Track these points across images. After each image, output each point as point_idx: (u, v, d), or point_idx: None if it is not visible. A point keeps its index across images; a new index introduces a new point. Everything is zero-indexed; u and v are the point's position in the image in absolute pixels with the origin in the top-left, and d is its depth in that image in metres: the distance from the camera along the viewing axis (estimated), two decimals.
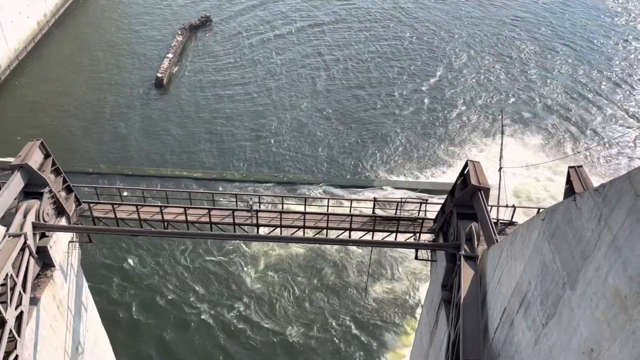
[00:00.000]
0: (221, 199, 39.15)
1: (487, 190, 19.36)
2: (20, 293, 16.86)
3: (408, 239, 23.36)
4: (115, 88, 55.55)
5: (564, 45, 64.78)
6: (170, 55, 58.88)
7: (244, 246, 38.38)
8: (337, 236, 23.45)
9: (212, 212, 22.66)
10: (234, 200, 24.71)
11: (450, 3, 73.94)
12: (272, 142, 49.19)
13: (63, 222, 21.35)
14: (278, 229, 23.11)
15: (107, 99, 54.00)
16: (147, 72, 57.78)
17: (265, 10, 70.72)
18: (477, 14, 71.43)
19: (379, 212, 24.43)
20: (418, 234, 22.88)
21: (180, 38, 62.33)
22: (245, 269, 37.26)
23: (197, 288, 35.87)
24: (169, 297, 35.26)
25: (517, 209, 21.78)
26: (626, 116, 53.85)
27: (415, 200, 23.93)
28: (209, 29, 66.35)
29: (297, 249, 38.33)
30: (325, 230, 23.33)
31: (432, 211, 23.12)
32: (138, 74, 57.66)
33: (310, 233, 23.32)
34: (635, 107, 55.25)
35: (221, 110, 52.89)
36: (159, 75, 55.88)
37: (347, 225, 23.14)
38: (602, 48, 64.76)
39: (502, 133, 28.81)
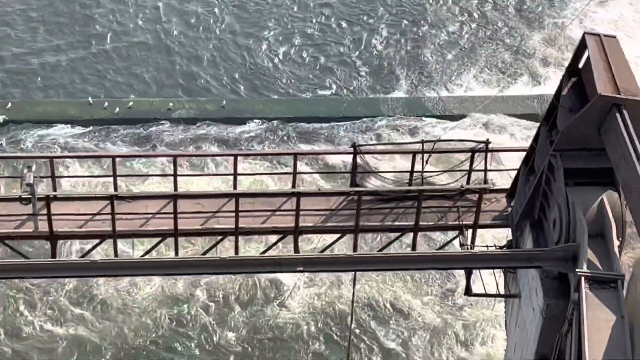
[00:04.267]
0: None
1: (636, 105, 18.96)
2: None
3: (444, 246, 23.09)
4: None
5: None
6: None
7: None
8: (263, 252, 23.43)
9: None
10: None
11: None
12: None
13: None
14: (108, 242, 23.11)
15: None
16: None
17: None
18: None
19: (367, 180, 24.11)
20: (469, 231, 22.65)
21: None
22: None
23: None
24: None
25: None
26: None
27: (456, 147, 23.60)
28: None
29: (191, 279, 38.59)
30: (234, 237, 23.43)
31: (501, 170, 22.89)
32: None
33: (193, 247, 23.01)
34: None
35: None
36: None
37: (289, 222, 22.92)
38: None
39: None
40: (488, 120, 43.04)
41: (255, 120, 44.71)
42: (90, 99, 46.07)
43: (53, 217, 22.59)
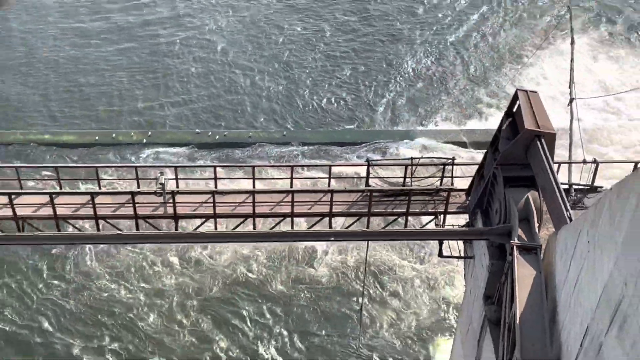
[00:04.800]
0: (113, 178, 38.89)
1: (551, 138, 19.51)
2: None
3: (426, 224, 23.63)
4: None
5: None
6: None
7: (164, 253, 38.94)
8: (310, 227, 23.64)
9: (97, 200, 22.51)
10: (135, 178, 24.57)
11: None
12: (186, 78, 49.75)
13: None
14: (210, 221, 23.38)
15: None
16: None
17: None
18: None
19: (376, 183, 24.58)
20: (442, 216, 23.14)
21: None
22: (164, 287, 37.58)
23: (79, 327, 36.04)
24: (33, 339, 35.50)
25: (601, 165, 22.05)
26: None
27: (434, 162, 24.12)
28: None
29: (251, 248, 38.72)
30: (289, 218, 23.51)
31: (463, 177, 23.33)
32: None
33: (266, 224, 23.49)
34: None
35: (86, 34, 52.65)
36: None
37: (325, 209, 23.28)
38: None
39: (572, 42, 28.82)
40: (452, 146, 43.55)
41: (305, 145, 44.77)
42: (197, 129, 46.12)
43: (177, 204, 23.14)
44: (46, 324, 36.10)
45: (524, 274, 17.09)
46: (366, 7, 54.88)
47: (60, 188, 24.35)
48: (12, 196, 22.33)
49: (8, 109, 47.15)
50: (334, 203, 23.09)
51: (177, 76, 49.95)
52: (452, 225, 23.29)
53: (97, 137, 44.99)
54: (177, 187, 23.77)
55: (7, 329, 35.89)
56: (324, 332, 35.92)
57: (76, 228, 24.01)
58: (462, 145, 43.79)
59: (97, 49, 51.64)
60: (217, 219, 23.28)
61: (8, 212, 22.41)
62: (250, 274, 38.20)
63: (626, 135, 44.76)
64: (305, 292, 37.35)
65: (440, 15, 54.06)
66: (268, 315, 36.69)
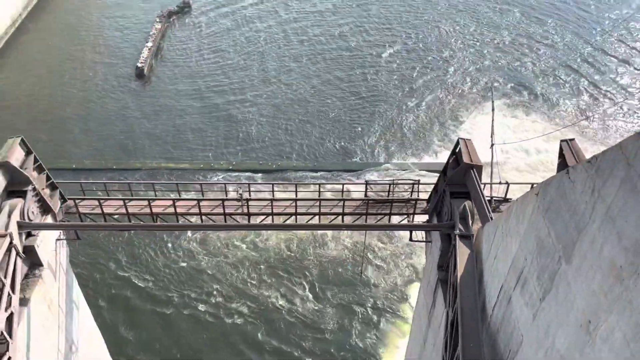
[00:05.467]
0: (210, 190, 39.12)
1: (479, 168, 19.49)
2: (9, 294, 16.76)
3: (402, 220, 23.54)
4: (96, 80, 54.95)
5: (550, 17, 64.84)
6: (149, 44, 58.22)
7: (234, 240, 38.57)
8: (330, 221, 23.57)
9: (202, 203, 22.65)
10: (223, 190, 24.70)
11: None
12: (259, 129, 49.19)
13: (49, 220, 21.19)
14: (270, 217, 23.17)
15: (87, 91, 53.42)
16: (128, 62, 57.20)
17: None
18: None
19: (371, 195, 24.53)
20: (412, 216, 23.03)
21: (159, 26, 61.59)
22: (237, 260, 37.42)
23: (190, 283, 35.97)
24: (162, 293, 35.32)
25: (510, 185, 21.94)
26: (616, 88, 54.18)
27: (407, 182, 24.02)
28: (189, 16, 65.56)
29: (289, 235, 38.58)
30: (317, 216, 23.42)
31: (425, 192, 23.25)
32: (118, 65, 57.07)
33: (302, 220, 23.41)
34: (623, 79, 55.58)
35: (205, 99, 52.59)
36: (139, 65, 55.29)
37: (339, 210, 23.23)
38: (589, 20, 64.93)
39: (493, 110, 28.73)
40: (418, 173, 43.34)
41: (327, 171, 44.60)
42: (258, 161, 46.05)
43: (250, 207, 23.10)
44: (162, 284, 36.28)
45: (462, 252, 17.02)
46: (364, 74, 54.93)
47: (179, 195, 24.59)
48: (150, 201, 22.59)
49: (145, 143, 47.70)
50: (345, 207, 23.14)
51: (246, 126, 50.14)
52: (418, 222, 23.19)
53: (201, 165, 45.36)
54: (250, 196, 23.80)
55: (144, 285, 36.06)
56: (336, 289, 35.91)
57: (189, 221, 24.14)
58: (425, 171, 43.52)
59: (184, 102, 52.15)
60: (274, 216, 23.27)
61: (147, 210, 22.65)
62: (288, 252, 38.20)
63: (527, 165, 44.74)
64: (324, 262, 37.30)
65: (407, 89, 53.84)
66: (300, 276, 36.68)
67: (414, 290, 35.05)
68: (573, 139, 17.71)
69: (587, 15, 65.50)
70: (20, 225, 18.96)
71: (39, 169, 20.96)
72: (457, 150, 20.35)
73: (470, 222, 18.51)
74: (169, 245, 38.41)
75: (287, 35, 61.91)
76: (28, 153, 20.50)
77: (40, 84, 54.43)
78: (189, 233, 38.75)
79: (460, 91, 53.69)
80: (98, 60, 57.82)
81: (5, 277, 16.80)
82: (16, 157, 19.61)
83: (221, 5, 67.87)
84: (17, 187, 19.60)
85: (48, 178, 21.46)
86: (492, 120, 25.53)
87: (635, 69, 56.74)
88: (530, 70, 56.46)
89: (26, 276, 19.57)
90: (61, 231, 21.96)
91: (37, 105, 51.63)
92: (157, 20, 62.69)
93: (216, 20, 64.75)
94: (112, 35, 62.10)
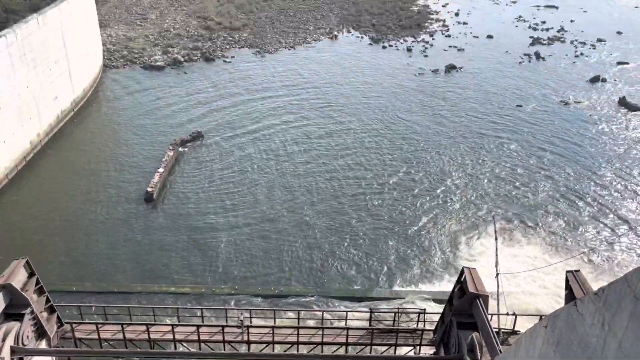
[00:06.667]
0: (211, 315, 38.09)
1: (485, 298, 19.19)
2: None
3: (408, 352, 22.63)
4: (105, 204, 56.03)
5: (549, 151, 67.49)
6: (161, 170, 60.18)
7: None
8: (333, 352, 22.70)
9: (201, 329, 22.07)
10: (224, 316, 24.13)
11: (431, 116, 77.83)
12: (262, 255, 49.10)
13: (43, 344, 20.56)
14: (271, 346, 22.38)
15: (96, 215, 54.25)
16: (138, 186, 58.68)
17: (259, 130, 72.70)
18: (459, 123, 74.93)
19: (376, 324, 23.90)
20: (418, 347, 22.22)
21: (171, 153, 64.08)
22: None
23: None
24: None
25: (518, 316, 21.43)
26: (617, 219, 54.80)
27: (413, 311, 23.53)
28: (201, 144, 68.36)
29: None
30: (320, 346, 22.63)
31: (432, 321, 22.66)
32: (128, 189, 58.50)
33: (304, 348, 22.57)
34: (626, 210, 56.43)
35: (212, 225, 53.11)
36: (149, 189, 56.68)
37: (343, 339, 22.53)
38: (587, 153, 67.51)
39: (496, 239, 29.03)
40: (424, 301, 42.42)
41: (330, 297, 43.69)
42: (259, 287, 45.52)
43: (250, 333, 22.41)
44: None
45: None
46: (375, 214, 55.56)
47: (179, 321, 24.04)
48: (149, 327, 22.02)
49: (146, 266, 47.34)
50: (349, 336, 22.45)
51: (249, 250, 50.02)
52: (426, 354, 22.33)
53: (203, 290, 44.67)
54: (250, 322, 23.28)
55: None
56: None
57: (187, 348, 23.35)
58: (430, 299, 42.77)
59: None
60: (275, 345, 22.52)
61: (145, 336, 22.02)
62: None
63: (534, 295, 43.83)
64: None
65: (408, 216, 54.41)
66: None
67: None
68: (578, 270, 17.63)
69: (583, 150, 68.19)
70: (13, 351, 18.39)
71: (40, 291, 20.82)
72: (462, 279, 20.21)
73: (479, 354, 17.86)
74: None
75: (294, 163, 64.18)
76: (31, 275, 20.46)
77: (51, 206, 55.60)
78: None
79: (461, 218, 54.28)
80: (111, 183, 59.43)
81: None
82: (19, 278, 19.57)
83: (232, 135, 71.04)
84: (15, 310, 19.33)
85: (47, 300, 21.20)
86: (496, 249, 25.63)
87: (634, 201, 57.77)
88: (531, 199, 57.52)
89: None
90: (54, 357, 21.16)
91: (46, 227, 52.29)
92: (170, 147, 65.35)
93: (226, 149, 67.45)
94: (127, 160, 64.38)
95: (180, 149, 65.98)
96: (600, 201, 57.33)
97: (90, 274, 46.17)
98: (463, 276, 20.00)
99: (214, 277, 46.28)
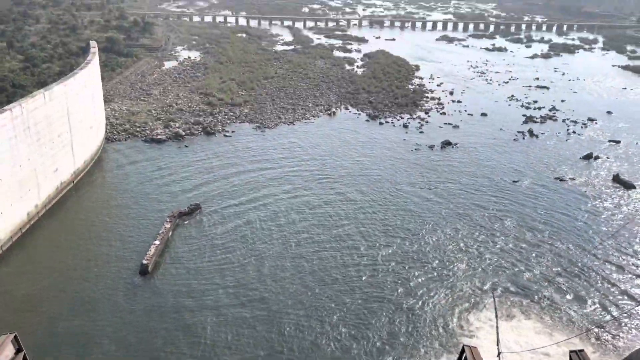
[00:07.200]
0: None
1: (476, 351, 18.50)
2: None
3: None
4: (100, 276, 54.97)
5: (549, 224, 67.52)
6: (157, 242, 59.59)
7: None
8: None
9: None
10: None
11: (428, 190, 78.33)
12: (254, 332, 47.88)
13: None
14: None
15: (90, 287, 53.13)
16: (133, 258, 57.86)
17: (255, 202, 72.86)
18: (458, 198, 75.32)
19: None
20: None
21: (168, 225, 63.72)
22: None
23: None
24: None
25: None
26: (620, 295, 53.95)
27: None
28: (198, 217, 68.08)
29: None
30: None
31: None
32: (123, 261, 57.61)
33: None
34: (628, 286, 55.68)
35: (202, 300, 51.91)
36: (145, 262, 55.90)
37: None
38: (586, 228, 67.51)
39: (496, 316, 28.42)
40: None
41: None
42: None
43: None
44: None
45: None
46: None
47: None
48: None
49: (132, 341, 45.55)
50: None
51: (240, 328, 48.40)
52: None
53: None
54: None
55: None
56: None
57: None
58: None
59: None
60: None
61: None
62: None
63: None
64: None
65: (405, 290, 53.30)
66: None
67: None
68: (582, 350, 17.18)
69: (581, 225, 68.32)
70: None
71: None
72: (462, 359, 19.53)
73: None
74: None
75: (285, 236, 63.80)
76: (18, 351, 19.77)
77: (44, 279, 54.49)
78: None
79: (460, 293, 53.35)
80: (105, 257, 58.54)
81: None
82: (6, 354, 18.89)
83: (229, 204, 70.99)
84: None
85: None
86: (497, 327, 25.07)
87: (633, 275, 57.11)
88: (530, 275, 56.90)
89: None
90: None
91: (38, 301, 51.04)
92: (167, 220, 65.04)
93: (223, 220, 67.22)
94: (124, 232, 63.79)
95: (177, 222, 65.63)
96: (602, 275, 56.74)
97: (75, 349, 44.44)
98: (464, 355, 19.37)
99: (204, 356, 44.54)
